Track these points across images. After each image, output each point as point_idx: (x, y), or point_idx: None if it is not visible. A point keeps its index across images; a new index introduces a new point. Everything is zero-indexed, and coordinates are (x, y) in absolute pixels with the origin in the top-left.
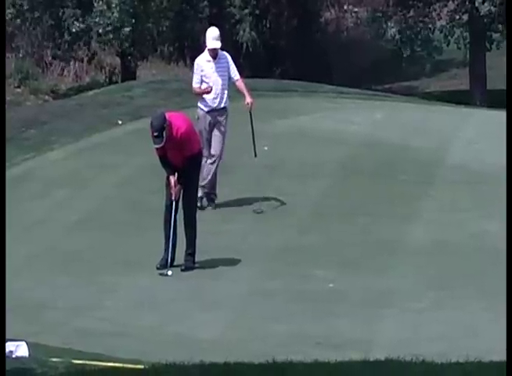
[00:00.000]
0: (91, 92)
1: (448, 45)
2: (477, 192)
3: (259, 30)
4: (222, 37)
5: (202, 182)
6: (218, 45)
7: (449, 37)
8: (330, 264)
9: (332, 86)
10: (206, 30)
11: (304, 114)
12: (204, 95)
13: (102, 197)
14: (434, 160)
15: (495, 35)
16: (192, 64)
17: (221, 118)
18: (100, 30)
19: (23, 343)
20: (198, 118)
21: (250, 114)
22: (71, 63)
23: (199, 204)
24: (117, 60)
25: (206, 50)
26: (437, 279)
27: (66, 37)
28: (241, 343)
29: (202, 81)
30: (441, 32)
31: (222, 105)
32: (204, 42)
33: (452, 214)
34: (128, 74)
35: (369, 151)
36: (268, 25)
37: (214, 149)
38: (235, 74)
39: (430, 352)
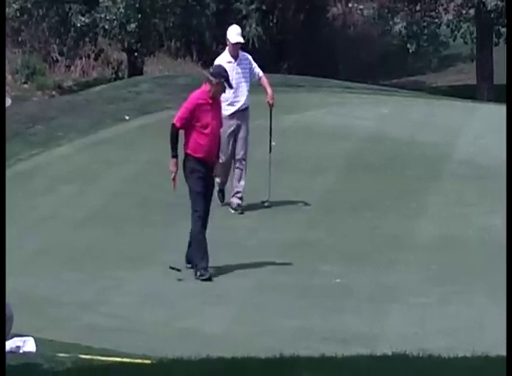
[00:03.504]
0: (97, 88)
1: (454, 40)
2: (483, 186)
3: (266, 26)
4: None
5: (236, 189)
6: (241, 39)
7: (456, 32)
8: (337, 259)
9: (338, 81)
10: (212, 25)
11: (310, 109)
12: (225, 97)
13: (109, 193)
14: (441, 155)
15: (503, 30)
16: (200, 59)
17: (243, 121)
18: (106, 26)
19: (31, 338)
20: None
21: (270, 111)
22: (78, 58)
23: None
24: (124, 56)
25: (226, 51)
26: (443, 273)
27: (72, 33)
28: (248, 338)
29: None
30: (447, 27)
31: (244, 107)
32: (214, 39)
33: (458, 208)
34: (135, 70)
35: (376, 146)
36: (274, 20)
37: (239, 153)
38: (258, 71)
39: (436, 346)
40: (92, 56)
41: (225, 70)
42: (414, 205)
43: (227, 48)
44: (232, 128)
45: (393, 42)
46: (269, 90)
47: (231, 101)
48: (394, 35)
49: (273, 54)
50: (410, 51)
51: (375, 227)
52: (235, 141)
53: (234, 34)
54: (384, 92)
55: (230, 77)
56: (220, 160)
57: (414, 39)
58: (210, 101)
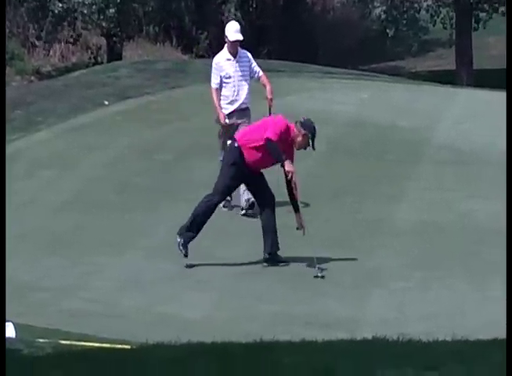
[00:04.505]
0: (76, 73)
1: (434, 25)
2: (463, 171)
3: (245, 11)
4: (207, 18)
5: (248, 195)
6: (240, 37)
7: (435, 17)
8: (318, 244)
9: (319, 66)
10: (191, 10)
11: (291, 94)
12: (225, 95)
13: (88, 178)
14: (421, 139)
15: (482, 15)
16: (179, 44)
17: (243, 120)
18: (85, 11)
19: (10, 324)
20: (217, 121)
21: (269, 109)
22: (56, 43)
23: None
24: (103, 41)
25: (225, 48)
26: (423, 258)
27: (51, 17)
28: (229, 323)
29: (222, 82)
30: (427, 12)
31: (244, 105)
32: (194, 23)
33: (438, 193)
34: (114, 55)
35: (356, 131)
36: (254, 5)
37: None
38: (258, 70)
39: (416, 331)
40: (71, 41)
41: (315, 128)
42: (394, 190)
43: (226, 45)
44: (231, 129)
45: (373, 27)
46: (268, 86)
47: (231, 99)
48: (373, 20)
49: (253, 39)
50: (389, 35)
51: (356, 212)
52: None
53: (232, 31)
54: (364, 77)
55: (230, 76)
56: (220, 158)
57: (393, 24)
58: (289, 141)
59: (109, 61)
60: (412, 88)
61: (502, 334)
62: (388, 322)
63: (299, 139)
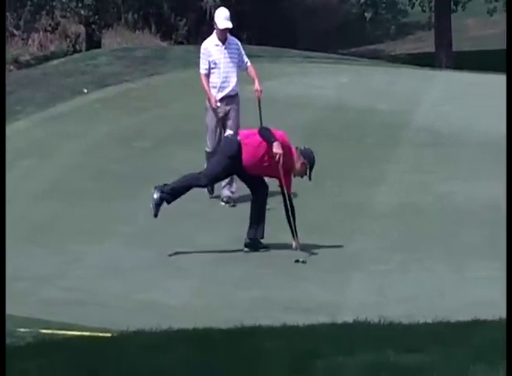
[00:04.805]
0: (55, 61)
1: (412, 8)
2: (442, 153)
3: None
4: (186, 4)
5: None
6: (229, 24)
7: (414, 0)
8: (298, 228)
9: (298, 51)
10: None
11: (271, 79)
12: (213, 82)
13: (67, 166)
14: (400, 122)
15: None
16: (158, 31)
17: (232, 106)
18: None
19: None
20: (206, 108)
21: (259, 101)
22: (35, 32)
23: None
24: (82, 29)
25: (214, 33)
26: (403, 241)
27: (29, 6)
28: (209, 309)
29: (210, 67)
30: None
31: (233, 92)
32: (172, 10)
33: (417, 176)
34: (93, 43)
35: (336, 115)
36: None
37: None
38: (246, 60)
39: (397, 313)
40: (50, 29)
41: (314, 159)
42: (374, 173)
43: (214, 31)
44: (221, 115)
45: (352, 11)
46: (256, 80)
47: (219, 86)
48: (352, 4)
49: (232, 24)
50: (368, 19)
51: (335, 196)
52: (224, 129)
53: (222, 18)
54: (344, 61)
55: (218, 62)
56: (207, 150)
57: (372, 7)
58: (289, 163)
59: (88, 49)
60: (392, 72)
61: (481, 314)
62: (369, 305)
63: (298, 165)
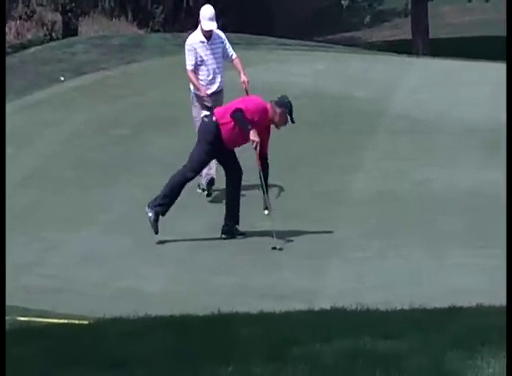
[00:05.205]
0: (32, 49)
1: None
2: (419, 140)
3: None
4: None
5: (209, 171)
6: (214, 26)
7: None
8: (275, 215)
9: (275, 38)
10: None
11: (248, 67)
12: (199, 78)
13: (45, 154)
14: (377, 109)
15: None
16: (135, 19)
17: (217, 102)
18: None
19: None
20: (192, 102)
21: (246, 92)
22: (11, 20)
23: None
24: (58, 17)
25: (198, 29)
26: (380, 228)
27: None
28: (186, 296)
29: (197, 64)
30: None
31: (219, 89)
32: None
33: (394, 163)
34: (70, 31)
35: (312, 102)
36: None
37: None
38: (231, 52)
39: (374, 300)
40: (25, 17)
41: (290, 103)
42: (351, 160)
43: (199, 25)
44: (208, 107)
45: None
46: (242, 72)
47: (206, 83)
48: None
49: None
50: (344, 6)
51: (312, 183)
52: None
53: (207, 18)
54: (320, 49)
55: (205, 59)
56: None
57: None
58: (268, 122)
59: (64, 37)
60: (368, 59)
61: (459, 301)
62: (346, 292)
63: (277, 118)
